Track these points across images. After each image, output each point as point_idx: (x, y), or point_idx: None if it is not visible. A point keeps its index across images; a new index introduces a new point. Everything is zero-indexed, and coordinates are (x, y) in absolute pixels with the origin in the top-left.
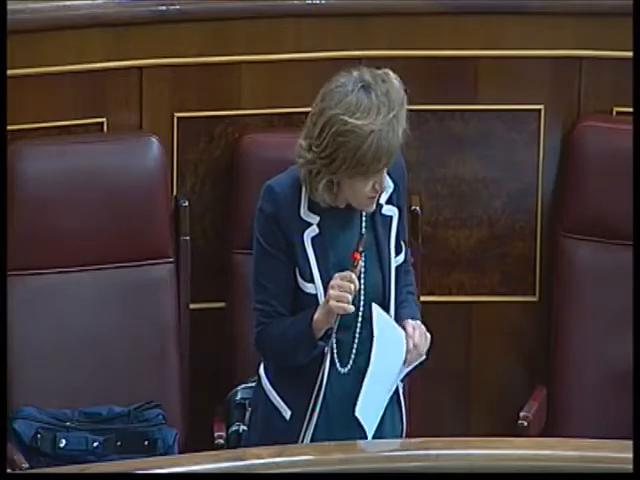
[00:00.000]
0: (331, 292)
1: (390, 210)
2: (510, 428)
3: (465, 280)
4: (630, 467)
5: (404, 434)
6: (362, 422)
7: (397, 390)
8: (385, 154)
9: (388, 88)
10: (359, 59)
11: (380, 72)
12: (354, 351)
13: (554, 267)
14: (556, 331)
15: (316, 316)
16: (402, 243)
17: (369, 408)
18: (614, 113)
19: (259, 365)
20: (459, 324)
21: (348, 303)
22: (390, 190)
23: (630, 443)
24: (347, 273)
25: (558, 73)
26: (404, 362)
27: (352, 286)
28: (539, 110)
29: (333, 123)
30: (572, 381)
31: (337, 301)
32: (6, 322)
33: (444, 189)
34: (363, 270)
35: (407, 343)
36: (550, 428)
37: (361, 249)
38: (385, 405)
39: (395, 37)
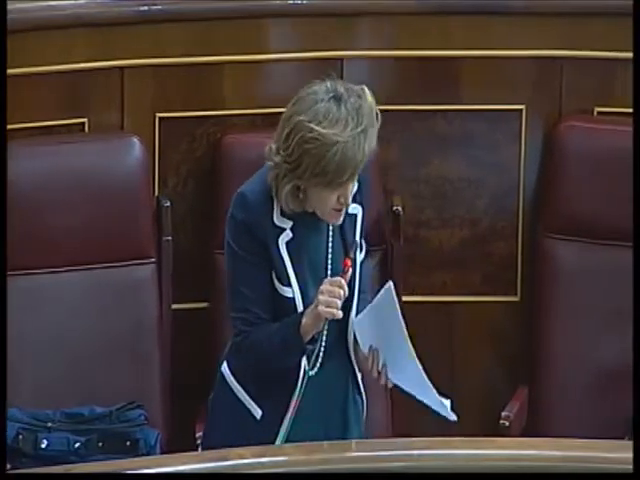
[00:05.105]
0: (320, 297)
1: (354, 208)
2: (492, 428)
3: (447, 280)
4: (619, 467)
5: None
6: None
7: (357, 380)
8: (349, 166)
9: (361, 103)
10: (342, 59)
11: (356, 87)
12: (321, 353)
13: (536, 267)
14: (538, 331)
15: (304, 321)
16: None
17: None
18: (595, 113)
19: (221, 363)
20: (441, 324)
21: (337, 309)
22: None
23: (618, 443)
24: (337, 279)
25: (540, 73)
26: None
27: (341, 292)
28: (520, 110)
29: (299, 129)
30: (553, 381)
31: (326, 306)
32: (6, 322)
33: (427, 189)
34: (331, 269)
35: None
36: (531, 428)
37: (352, 255)
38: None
39: (378, 37)
